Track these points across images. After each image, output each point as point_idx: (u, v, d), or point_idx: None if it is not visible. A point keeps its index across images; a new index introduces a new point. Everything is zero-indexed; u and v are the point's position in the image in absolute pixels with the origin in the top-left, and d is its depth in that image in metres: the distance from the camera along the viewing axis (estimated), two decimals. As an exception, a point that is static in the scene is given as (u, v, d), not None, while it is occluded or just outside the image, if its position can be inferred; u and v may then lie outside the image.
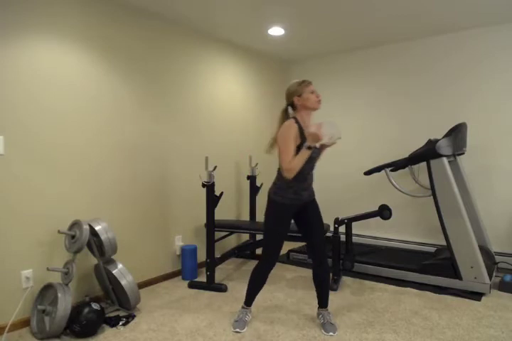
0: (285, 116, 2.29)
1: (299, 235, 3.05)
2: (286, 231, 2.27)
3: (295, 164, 2.06)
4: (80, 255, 2.57)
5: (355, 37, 3.75)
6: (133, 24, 2.97)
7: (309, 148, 2.06)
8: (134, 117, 3.00)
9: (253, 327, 2.36)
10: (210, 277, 3.01)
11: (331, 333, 2.26)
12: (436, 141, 2.92)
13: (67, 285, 2.32)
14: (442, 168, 2.90)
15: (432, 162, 2.94)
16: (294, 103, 2.24)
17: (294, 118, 2.20)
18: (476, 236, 2.93)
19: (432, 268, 3.01)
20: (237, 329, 2.29)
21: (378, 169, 3.36)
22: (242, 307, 2.41)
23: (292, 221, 2.31)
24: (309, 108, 2.22)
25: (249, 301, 2.39)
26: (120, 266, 2.58)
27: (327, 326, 2.30)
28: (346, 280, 3.22)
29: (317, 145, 2.08)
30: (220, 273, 3.41)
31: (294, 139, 2.11)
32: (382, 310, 2.61)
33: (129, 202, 2.98)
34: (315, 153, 2.19)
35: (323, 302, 2.39)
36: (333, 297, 2.83)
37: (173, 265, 3.35)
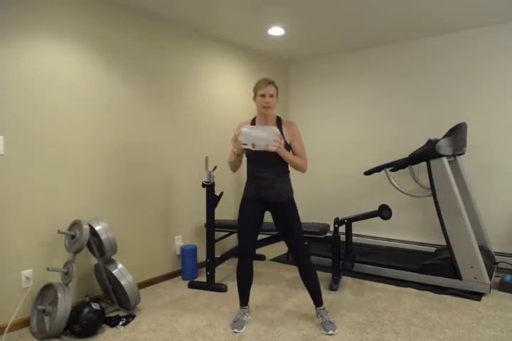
0: None
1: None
2: (250, 224, 2.32)
3: (228, 161, 2.35)
4: (80, 255, 2.57)
5: (355, 37, 3.75)
6: (133, 24, 2.97)
7: (234, 150, 2.22)
8: (134, 117, 3.00)
9: (253, 327, 2.36)
10: (210, 277, 3.01)
11: (331, 331, 2.25)
12: (436, 141, 2.92)
13: (67, 285, 2.32)
14: (442, 168, 2.90)
15: (432, 162, 2.94)
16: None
17: (254, 117, 2.36)
18: (476, 236, 2.93)
19: (432, 268, 3.01)
20: (235, 330, 2.29)
21: (378, 169, 3.36)
22: (240, 308, 2.43)
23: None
24: (259, 109, 2.30)
25: (241, 301, 2.42)
26: (120, 266, 2.58)
27: (326, 325, 2.30)
28: (346, 280, 3.22)
29: (253, 149, 2.11)
30: (220, 273, 3.41)
31: (233, 138, 2.22)
32: (382, 310, 2.61)
33: (129, 202, 2.98)
34: (261, 156, 2.19)
35: (316, 301, 2.39)
36: (333, 297, 2.83)
37: (173, 265, 3.35)
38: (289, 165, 2.29)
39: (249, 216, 2.32)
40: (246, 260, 2.36)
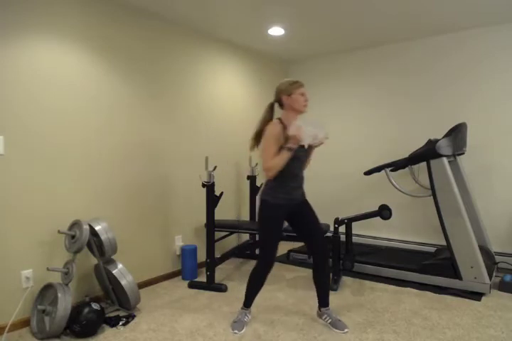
0: (270, 111, 2.32)
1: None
2: (280, 231, 2.27)
3: (274, 164, 2.10)
4: (80, 255, 2.57)
5: (355, 37, 3.75)
6: (133, 24, 2.97)
7: (290, 149, 2.09)
8: (134, 117, 3.00)
9: (253, 327, 2.36)
10: (210, 277, 3.01)
11: (346, 330, 2.27)
12: (436, 141, 2.92)
13: (67, 285, 2.32)
14: (442, 168, 2.90)
15: (432, 162, 2.94)
16: (282, 101, 2.24)
17: (279, 118, 2.24)
18: (476, 236, 2.93)
19: (432, 268, 3.00)
20: (236, 331, 2.28)
21: (378, 169, 3.36)
22: (242, 308, 2.41)
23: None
24: (296, 110, 2.23)
25: (247, 303, 2.39)
26: (120, 266, 2.58)
27: (338, 324, 2.31)
28: (346, 280, 3.22)
29: (305, 145, 2.11)
30: (220, 273, 3.41)
31: (275, 139, 2.13)
32: (382, 310, 2.61)
33: (129, 202, 2.98)
34: (302, 153, 2.21)
35: (325, 301, 2.39)
36: (333, 297, 2.82)
37: (173, 265, 3.35)
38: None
39: (279, 223, 2.25)
40: (270, 267, 2.29)
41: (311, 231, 2.32)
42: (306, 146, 2.13)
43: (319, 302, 2.40)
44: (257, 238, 2.33)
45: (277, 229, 2.25)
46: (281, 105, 2.27)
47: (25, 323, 2.37)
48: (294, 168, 2.22)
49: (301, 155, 2.22)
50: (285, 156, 2.10)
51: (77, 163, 2.65)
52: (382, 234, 4.06)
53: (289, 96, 2.21)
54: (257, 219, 2.29)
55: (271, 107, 2.32)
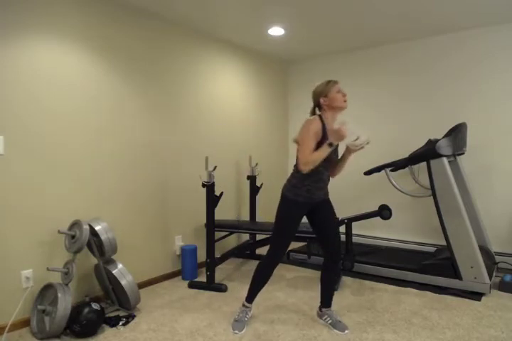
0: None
1: (299, 235, 3.09)
2: (295, 228, 2.26)
3: (313, 158, 2.05)
4: (80, 255, 2.57)
5: (355, 37, 3.75)
6: (133, 24, 2.97)
7: (331, 144, 2.05)
8: (133, 117, 3.00)
9: (253, 327, 2.36)
10: (210, 277, 3.01)
11: (347, 331, 2.27)
12: (436, 141, 2.92)
13: (67, 285, 2.32)
14: (442, 168, 2.90)
15: (432, 162, 2.94)
16: (320, 104, 2.21)
17: (319, 115, 2.20)
18: (476, 236, 2.93)
19: (432, 268, 3.00)
20: (236, 331, 2.28)
21: (378, 169, 3.36)
22: (243, 305, 2.40)
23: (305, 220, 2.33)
24: (336, 107, 2.20)
25: (250, 297, 2.38)
26: (120, 266, 2.58)
27: (338, 325, 2.31)
28: (346, 280, 3.22)
29: (346, 144, 2.10)
30: (220, 273, 3.41)
31: (314, 134, 2.10)
32: (382, 310, 2.61)
33: (129, 202, 2.98)
34: (333, 155, 2.20)
35: (328, 302, 2.39)
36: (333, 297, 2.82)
37: (173, 265, 3.35)
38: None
39: (295, 222, 2.24)
40: (277, 263, 2.30)
41: (326, 232, 2.30)
42: (347, 145, 2.11)
43: (322, 302, 2.40)
44: (272, 232, 2.31)
45: (293, 227, 2.24)
46: (319, 108, 2.25)
47: (25, 323, 2.37)
48: (322, 167, 2.19)
49: (331, 156, 2.19)
50: (325, 151, 2.05)
51: (77, 163, 2.65)
52: (382, 234, 4.06)
53: (326, 97, 2.19)
54: (275, 215, 2.29)
55: (313, 113, 2.28)
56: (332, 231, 2.29)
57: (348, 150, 2.18)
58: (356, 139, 2.08)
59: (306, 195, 2.20)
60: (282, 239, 2.26)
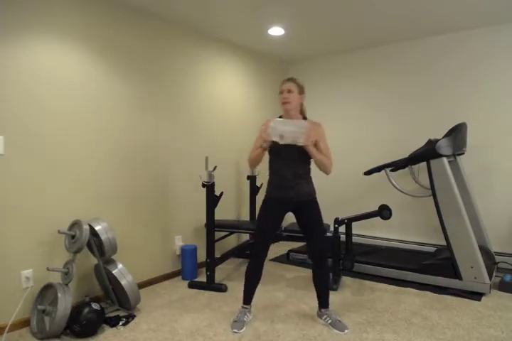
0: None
1: (299, 235, 3.09)
2: (271, 225, 2.31)
3: (249, 156, 2.32)
4: (80, 255, 2.57)
5: (355, 37, 3.75)
6: (133, 24, 2.97)
7: (260, 145, 2.22)
8: (133, 117, 3.00)
9: (253, 326, 2.36)
10: (210, 277, 3.01)
11: (347, 330, 2.28)
12: (436, 141, 2.92)
13: (67, 285, 2.32)
14: (442, 168, 2.90)
15: (432, 162, 2.94)
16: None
17: (280, 115, 2.36)
18: (476, 236, 2.93)
19: (432, 268, 3.00)
20: (235, 330, 2.29)
21: (378, 169, 3.36)
22: (242, 307, 2.42)
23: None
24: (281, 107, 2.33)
25: (245, 299, 2.41)
26: (120, 266, 2.58)
27: (338, 325, 2.31)
28: (346, 280, 3.22)
29: (281, 142, 2.12)
30: (220, 273, 3.41)
31: (260, 134, 2.29)
32: (382, 310, 2.61)
33: (129, 202, 2.98)
34: (285, 152, 2.21)
35: (324, 302, 2.40)
36: (333, 297, 2.82)
37: (173, 265, 3.35)
38: (313, 164, 2.30)
39: (268, 216, 2.31)
40: (258, 259, 2.34)
41: (309, 232, 2.34)
42: (280, 142, 2.11)
43: (319, 303, 2.41)
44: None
45: (267, 223, 2.31)
46: None
47: (25, 323, 2.37)
48: (280, 166, 2.27)
49: (284, 156, 2.24)
50: (256, 151, 2.27)
51: (77, 163, 2.65)
52: (382, 234, 4.06)
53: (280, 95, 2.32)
54: None
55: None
56: (315, 231, 2.32)
57: (299, 146, 2.16)
58: (281, 137, 2.09)
59: (277, 192, 2.29)
60: (258, 236, 2.34)
